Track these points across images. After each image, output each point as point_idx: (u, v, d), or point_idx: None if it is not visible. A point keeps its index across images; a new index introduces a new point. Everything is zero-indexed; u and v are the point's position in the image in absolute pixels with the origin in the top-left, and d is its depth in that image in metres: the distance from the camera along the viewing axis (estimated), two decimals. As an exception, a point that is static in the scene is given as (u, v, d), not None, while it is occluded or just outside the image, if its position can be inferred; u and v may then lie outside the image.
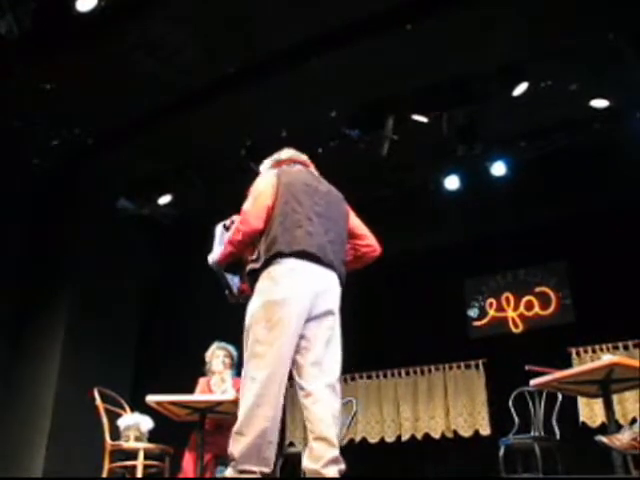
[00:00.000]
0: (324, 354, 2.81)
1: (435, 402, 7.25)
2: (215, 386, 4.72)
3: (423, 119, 5.93)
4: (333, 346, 2.86)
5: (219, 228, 3.15)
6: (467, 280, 7.57)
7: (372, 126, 6.08)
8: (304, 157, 3.30)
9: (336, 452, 2.65)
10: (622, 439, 3.17)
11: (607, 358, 3.52)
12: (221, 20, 5.14)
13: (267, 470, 2.62)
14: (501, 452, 4.86)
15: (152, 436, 4.36)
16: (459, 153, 6.22)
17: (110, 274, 6.88)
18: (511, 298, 7.30)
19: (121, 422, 4.37)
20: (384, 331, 7.42)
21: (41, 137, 6.30)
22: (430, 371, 7.41)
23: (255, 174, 3.24)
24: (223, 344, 4.84)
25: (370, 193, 7.19)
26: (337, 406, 2.77)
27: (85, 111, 6.02)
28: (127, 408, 4.62)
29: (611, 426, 3.57)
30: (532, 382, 3.91)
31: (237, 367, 4.68)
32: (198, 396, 4.48)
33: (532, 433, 5.01)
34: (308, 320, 2.80)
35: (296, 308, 2.74)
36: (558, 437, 4.85)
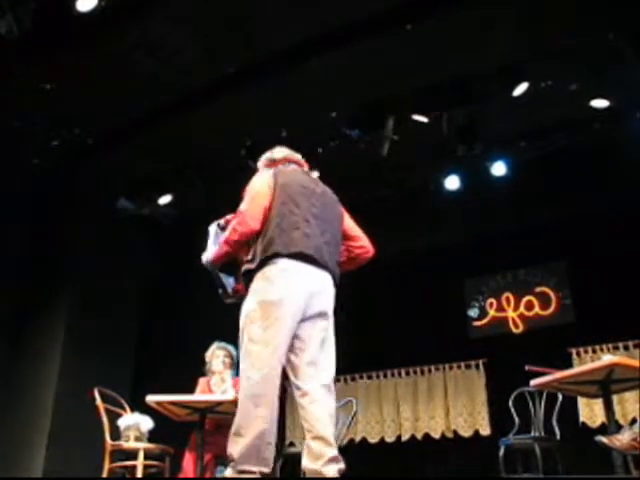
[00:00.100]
0: (319, 354, 2.83)
1: (435, 402, 7.25)
2: (215, 386, 4.72)
3: (423, 119, 5.93)
4: (328, 347, 2.89)
5: (213, 227, 3.15)
6: (467, 280, 7.57)
7: (372, 126, 6.08)
8: (298, 156, 3.31)
9: (335, 451, 2.66)
10: (622, 439, 3.17)
11: (607, 358, 3.52)
12: (221, 20, 5.14)
13: (267, 470, 2.63)
14: (501, 452, 4.86)
15: (152, 436, 4.36)
16: (459, 153, 6.22)
17: (110, 274, 6.87)
18: (511, 298, 7.30)
19: (121, 422, 4.37)
20: (384, 331, 7.42)
21: (41, 137, 6.30)
22: (430, 371, 7.41)
23: (255, 173, 3.24)
24: (223, 344, 4.84)
25: (370, 193, 7.20)
26: (333, 406, 2.81)
27: (85, 111, 6.02)
28: (127, 408, 4.62)
29: (611, 426, 3.57)
30: (532, 382, 3.91)
31: (237, 367, 4.66)
32: (198, 396, 4.48)
33: (532, 433, 5.01)
34: (302, 320, 2.81)
35: (291, 308, 2.75)
36: (558, 437, 4.85)
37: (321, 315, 2.86)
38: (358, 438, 7.36)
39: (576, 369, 4.30)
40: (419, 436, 7.18)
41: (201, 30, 5.27)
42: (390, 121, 5.95)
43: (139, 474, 4.16)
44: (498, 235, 7.17)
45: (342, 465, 2.66)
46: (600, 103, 5.94)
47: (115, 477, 4.42)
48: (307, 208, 2.94)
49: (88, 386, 4.70)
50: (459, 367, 7.28)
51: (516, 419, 5.20)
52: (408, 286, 7.50)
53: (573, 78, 5.62)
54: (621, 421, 5.84)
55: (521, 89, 5.60)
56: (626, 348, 6.40)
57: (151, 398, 4.04)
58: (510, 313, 7.26)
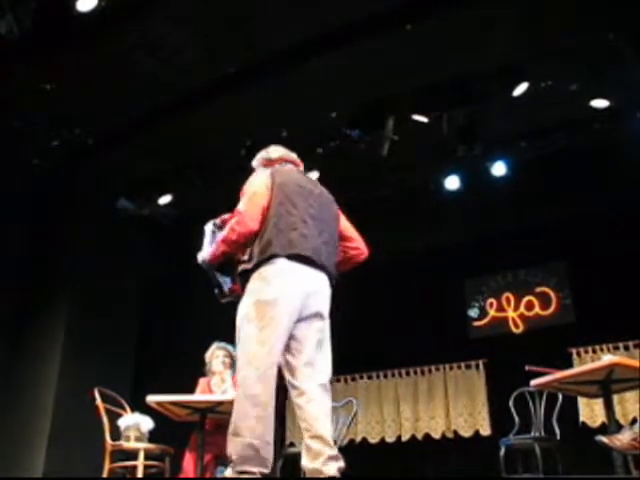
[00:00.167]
0: (316, 355, 2.83)
1: (435, 402, 7.25)
2: (215, 386, 4.72)
3: (423, 119, 5.93)
4: (324, 348, 2.89)
5: (209, 227, 3.13)
6: (467, 280, 7.58)
7: (372, 126, 6.08)
8: (294, 156, 3.31)
9: (334, 450, 2.66)
10: (622, 439, 3.17)
11: (607, 358, 3.52)
12: (221, 20, 5.14)
13: (266, 471, 2.63)
14: (501, 452, 4.86)
15: (152, 436, 4.36)
16: (459, 153, 6.22)
17: (110, 274, 6.87)
18: (511, 298, 7.31)
19: (121, 422, 4.36)
20: (384, 331, 7.41)
21: (41, 137, 6.29)
22: (430, 371, 7.41)
23: (252, 172, 3.24)
24: (223, 344, 4.83)
25: (370, 193, 7.20)
26: (330, 406, 2.80)
27: (85, 111, 6.02)
28: (127, 408, 4.61)
29: (611, 426, 3.57)
30: (532, 382, 3.91)
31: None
32: (198, 396, 4.47)
33: (532, 433, 5.01)
34: (299, 321, 2.82)
35: (287, 308, 2.75)
36: (558, 437, 4.85)
37: (317, 315, 2.87)
38: (358, 438, 7.36)
39: (576, 369, 4.31)
40: (419, 436, 7.18)
41: (201, 30, 5.27)
42: (390, 121, 5.95)
43: (139, 474, 4.16)
44: (498, 235, 7.17)
45: (342, 463, 2.66)
46: (600, 103, 5.94)
47: (115, 477, 4.42)
48: (304, 208, 2.94)
49: (88, 386, 4.70)
50: (459, 367, 7.28)
51: (516, 419, 5.20)
52: (408, 286, 7.50)
53: (573, 78, 5.62)
54: (621, 421, 5.84)
55: (521, 89, 5.60)
56: (626, 348, 6.40)
57: (151, 398, 4.04)
58: (510, 313, 7.26)
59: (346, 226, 3.20)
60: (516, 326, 7.19)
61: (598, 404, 5.97)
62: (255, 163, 3.34)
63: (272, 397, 2.68)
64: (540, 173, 6.69)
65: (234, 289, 3.03)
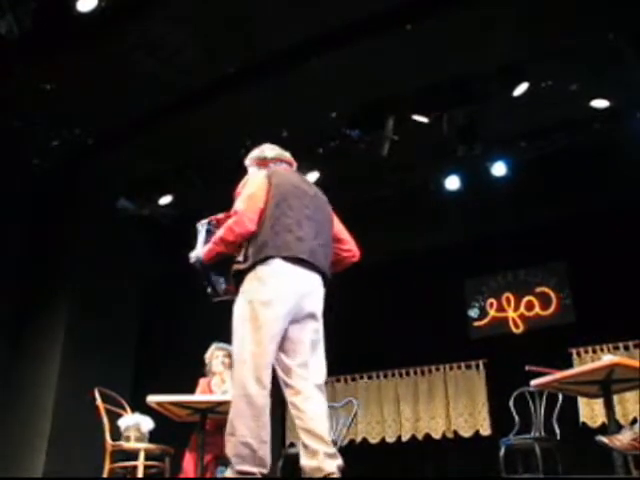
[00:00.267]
0: (310, 357, 2.84)
1: (435, 402, 7.25)
2: (215, 386, 4.72)
3: (423, 119, 5.93)
4: (319, 349, 2.90)
5: (204, 226, 3.09)
6: (467, 280, 7.57)
7: (372, 126, 6.08)
8: (288, 155, 3.30)
9: (332, 448, 2.66)
10: (622, 439, 3.17)
11: (608, 358, 3.51)
12: (221, 20, 5.14)
13: (265, 470, 2.63)
14: (501, 452, 4.86)
15: (153, 436, 4.36)
16: (459, 153, 6.22)
17: (110, 274, 6.87)
18: (511, 298, 7.30)
19: (121, 422, 4.36)
20: (384, 331, 7.41)
21: (41, 137, 6.30)
22: (430, 371, 7.41)
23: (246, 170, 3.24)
24: (222, 344, 4.83)
25: (370, 193, 7.21)
26: (326, 406, 2.80)
27: (85, 111, 6.02)
28: (127, 408, 4.61)
29: (611, 426, 3.57)
30: (533, 382, 3.91)
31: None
32: (199, 396, 4.48)
33: (532, 433, 5.01)
34: (293, 321, 2.82)
35: (282, 309, 2.75)
36: (558, 437, 4.85)
37: (311, 316, 2.87)
38: (359, 438, 7.36)
39: (576, 369, 4.31)
40: (420, 436, 7.18)
41: (201, 30, 5.27)
42: (390, 121, 5.95)
43: (139, 474, 4.16)
44: (498, 235, 7.17)
45: (340, 461, 2.66)
46: (600, 103, 5.94)
47: (115, 477, 4.42)
48: (300, 210, 2.94)
49: (88, 386, 4.70)
50: (459, 367, 7.28)
51: (516, 419, 5.20)
52: (408, 286, 7.49)
53: (573, 78, 5.62)
54: (621, 421, 5.84)
55: (521, 89, 5.60)
56: (626, 348, 6.40)
57: (152, 398, 4.04)
58: (510, 313, 7.26)
59: (339, 228, 3.20)
60: (516, 326, 7.19)
61: (598, 404, 5.97)
62: (248, 161, 3.33)
63: (268, 397, 2.69)
64: (540, 173, 6.69)
65: (228, 289, 3.01)
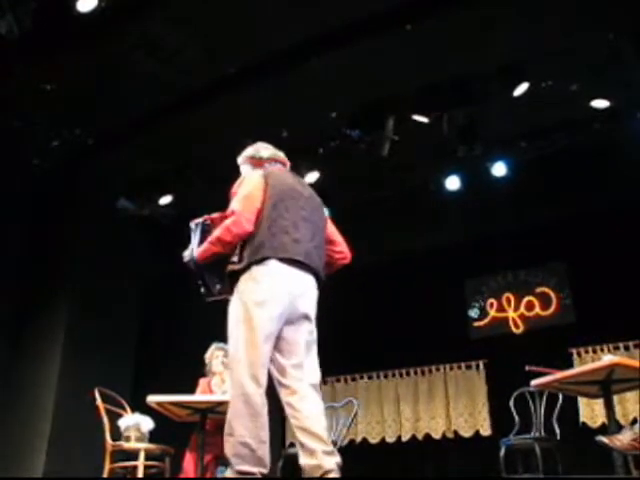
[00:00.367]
0: (305, 357, 2.84)
1: (436, 402, 7.25)
2: (215, 387, 4.72)
3: (423, 119, 5.93)
4: (312, 351, 2.90)
5: (198, 226, 3.06)
6: (467, 280, 7.57)
7: (372, 126, 6.08)
8: (282, 155, 3.30)
9: (329, 446, 2.66)
10: (623, 439, 3.17)
11: (608, 358, 3.51)
12: (221, 20, 5.14)
13: (265, 470, 2.63)
14: (502, 452, 4.86)
15: (153, 436, 4.36)
16: (459, 154, 6.22)
17: (110, 274, 6.87)
18: (512, 298, 7.30)
19: (122, 422, 4.36)
20: (384, 331, 7.41)
21: (41, 137, 6.29)
22: (431, 371, 7.41)
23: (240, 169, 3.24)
24: (222, 345, 4.82)
25: (370, 193, 7.20)
26: (321, 405, 2.80)
27: (85, 111, 6.02)
28: (128, 408, 4.61)
29: (611, 426, 3.57)
30: (533, 382, 3.91)
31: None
32: (199, 396, 4.48)
33: (533, 433, 5.01)
34: (288, 322, 2.83)
35: (276, 309, 2.76)
36: (558, 437, 4.85)
37: (305, 318, 2.88)
38: (359, 438, 7.36)
39: (577, 369, 4.31)
40: (420, 436, 7.18)
41: (201, 30, 5.26)
42: (390, 121, 5.95)
43: (140, 474, 4.16)
44: (498, 235, 7.17)
45: (339, 458, 2.67)
46: (600, 103, 5.94)
47: (115, 477, 4.42)
48: (297, 212, 2.95)
49: (88, 386, 4.70)
50: (459, 367, 7.28)
51: (516, 419, 5.20)
52: (408, 286, 7.49)
53: (573, 78, 5.61)
54: (622, 421, 5.84)
55: (521, 89, 5.60)
56: (626, 348, 6.40)
57: (152, 398, 4.04)
58: (510, 313, 7.26)
59: (332, 230, 3.20)
60: (516, 326, 7.18)
61: (598, 404, 5.97)
62: (241, 160, 3.32)
63: (264, 396, 2.70)
64: (540, 173, 6.69)
65: (222, 289, 3.00)
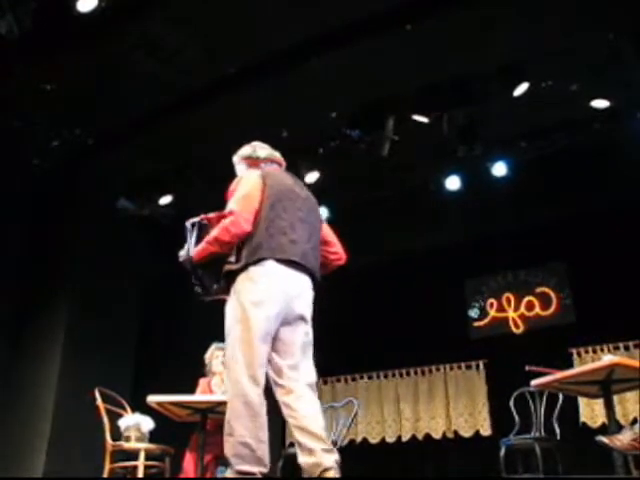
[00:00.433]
0: (301, 358, 2.84)
1: (436, 402, 7.25)
2: (216, 387, 4.72)
3: (423, 119, 5.93)
4: (308, 352, 2.90)
5: (195, 225, 3.02)
6: (467, 280, 7.57)
7: (372, 126, 6.08)
8: (278, 155, 3.30)
9: (326, 444, 2.66)
10: (623, 439, 3.17)
11: (608, 358, 3.51)
12: (221, 20, 5.14)
13: (265, 470, 2.64)
14: (502, 452, 4.86)
15: (153, 436, 4.36)
16: (459, 154, 6.22)
17: (110, 274, 6.87)
18: (512, 298, 7.30)
19: (122, 422, 4.36)
20: (384, 331, 7.41)
21: (41, 137, 6.29)
22: (431, 371, 7.41)
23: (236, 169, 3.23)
24: (222, 345, 4.79)
25: (370, 193, 7.20)
26: (318, 404, 2.80)
27: (85, 111, 6.02)
28: (128, 408, 4.61)
29: (612, 426, 3.57)
30: (533, 382, 3.91)
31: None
32: (199, 396, 4.48)
33: (533, 433, 5.00)
34: (284, 323, 2.83)
35: (272, 309, 2.76)
36: (559, 437, 4.85)
37: (301, 319, 2.88)
38: (359, 438, 7.36)
39: (577, 369, 4.31)
40: (420, 436, 7.18)
41: (201, 30, 5.26)
42: (390, 121, 5.95)
43: (140, 474, 4.16)
44: (498, 235, 7.17)
45: (337, 456, 2.67)
46: (600, 103, 5.94)
47: (116, 477, 4.42)
48: (294, 213, 2.96)
49: (88, 386, 4.70)
50: (459, 367, 7.28)
51: (516, 419, 5.20)
52: (408, 286, 7.49)
53: (573, 78, 5.61)
54: (622, 421, 5.84)
55: (521, 89, 5.60)
56: (626, 348, 6.40)
57: (152, 398, 4.03)
58: (510, 313, 7.26)
59: (327, 231, 3.21)
60: (516, 326, 7.19)
61: (598, 404, 5.97)
62: (237, 159, 3.32)
63: (262, 396, 2.70)
64: (540, 173, 6.69)
65: (218, 289, 2.99)
